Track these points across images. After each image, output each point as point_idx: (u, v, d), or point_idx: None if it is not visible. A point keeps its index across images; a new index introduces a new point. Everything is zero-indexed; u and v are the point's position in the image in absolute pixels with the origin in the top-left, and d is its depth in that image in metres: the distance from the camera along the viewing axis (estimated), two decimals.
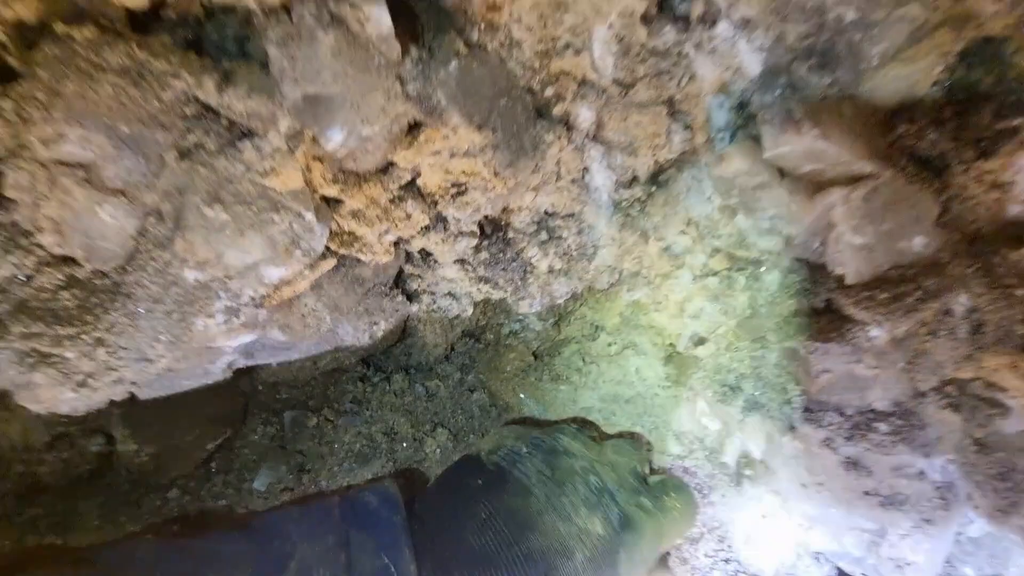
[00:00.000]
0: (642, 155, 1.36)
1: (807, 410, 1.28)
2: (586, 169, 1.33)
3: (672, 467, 1.53)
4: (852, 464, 1.25)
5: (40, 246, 0.93)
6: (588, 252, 1.41)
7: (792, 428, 1.30)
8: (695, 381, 1.54)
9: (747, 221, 1.40)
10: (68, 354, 0.92)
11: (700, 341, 1.53)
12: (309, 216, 0.98)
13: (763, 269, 1.45)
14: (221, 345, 0.97)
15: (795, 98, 1.20)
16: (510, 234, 1.32)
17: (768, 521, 1.40)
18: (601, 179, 1.36)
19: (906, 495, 1.21)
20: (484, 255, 1.31)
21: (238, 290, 0.95)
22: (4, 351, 0.90)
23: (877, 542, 1.25)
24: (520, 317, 1.50)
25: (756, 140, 1.28)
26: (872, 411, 1.25)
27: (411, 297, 1.29)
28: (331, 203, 1.06)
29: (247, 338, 1.00)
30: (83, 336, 0.92)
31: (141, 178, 0.91)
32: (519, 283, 1.35)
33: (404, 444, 1.32)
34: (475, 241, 1.27)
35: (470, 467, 1.11)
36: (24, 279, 0.93)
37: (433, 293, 1.32)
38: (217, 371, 1.04)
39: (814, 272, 1.36)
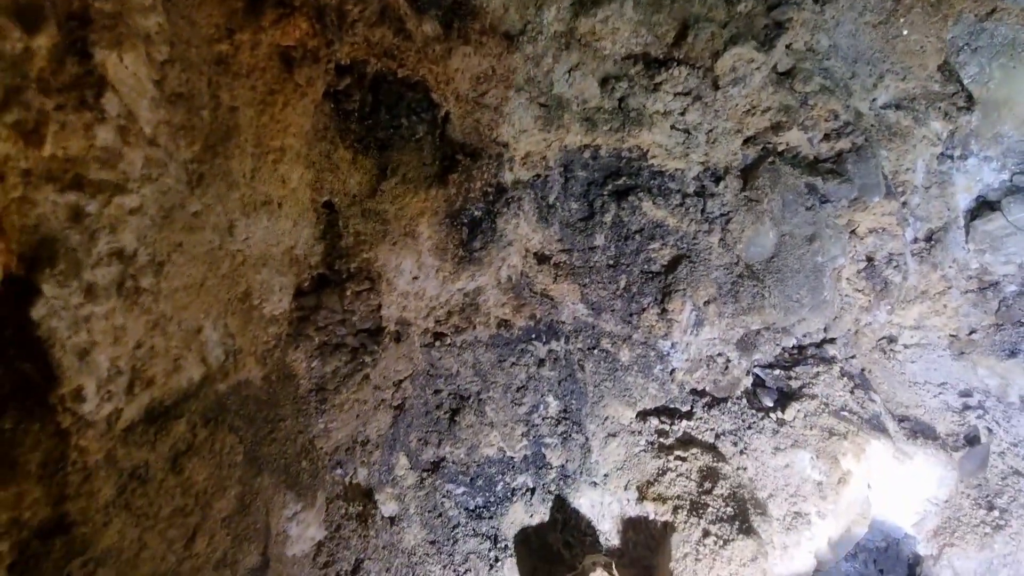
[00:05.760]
0: (932, 222, 2.54)
1: None
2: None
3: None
4: None
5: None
6: (906, 276, 2.52)
7: None
8: (975, 355, 2.54)
9: (991, 256, 2.54)
10: None
11: (972, 331, 2.57)
12: None
13: (1003, 284, 2.55)
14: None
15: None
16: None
17: None
18: (909, 235, 2.53)
19: None
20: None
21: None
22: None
23: None
24: None
25: (995, 209, 2.48)
26: None
27: None
28: None
29: None
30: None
31: None
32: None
33: None
34: None
35: None
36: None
37: None
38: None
39: None
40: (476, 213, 1.76)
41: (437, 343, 1.82)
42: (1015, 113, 2.40)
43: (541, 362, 2.01)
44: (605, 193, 2.09)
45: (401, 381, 1.77)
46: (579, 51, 1.80)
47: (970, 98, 2.45)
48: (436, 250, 1.68)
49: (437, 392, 1.89)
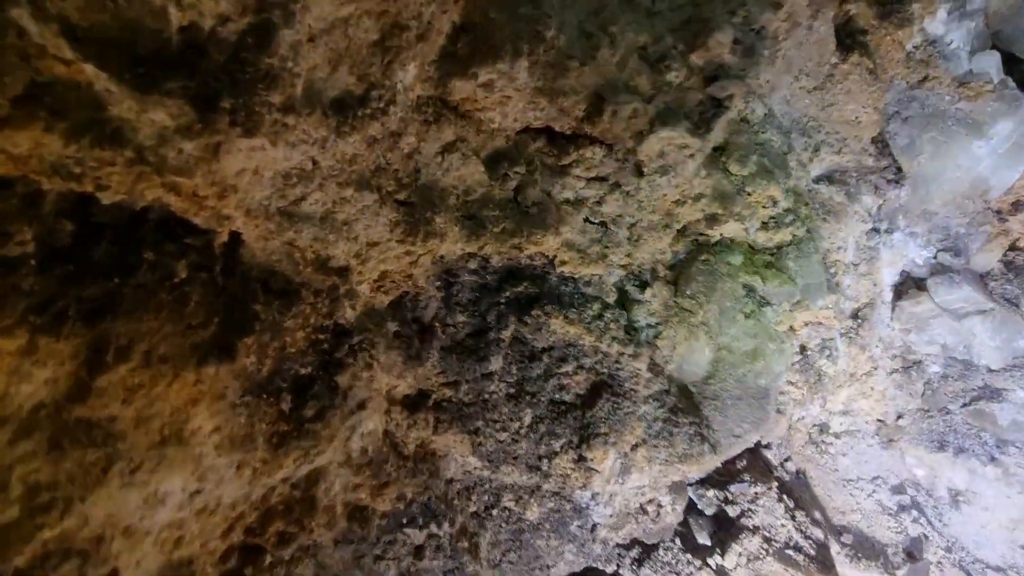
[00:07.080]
0: (859, 301, 2.32)
1: (998, 446, 2.14)
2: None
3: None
4: None
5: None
6: (837, 361, 2.27)
7: (993, 459, 2.13)
8: (903, 443, 2.36)
9: (915, 336, 2.37)
10: None
11: (900, 416, 2.39)
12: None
13: (926, 364, 2.39)
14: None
15: (949, 270, 2.25)
16: (807, 352, 2.16)
17: (986, 530, 2.16)
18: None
19: None
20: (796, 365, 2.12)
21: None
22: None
23: None
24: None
25: (922, 289, 2.30)
26: None
27: None
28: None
29: None
30: None
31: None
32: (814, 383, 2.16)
33: None
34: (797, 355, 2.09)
35: None
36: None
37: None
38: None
39: (965, 364, 2.32)
40: (303, 371, 1.17)
41: (248, 568, 1.20)
42: (944, 190, 2.23)
43: (418, 550, 1.45)
44: (502, 302, 1.57)
45: None
46: (455, 125, 1.26)
47: (899, 170, 2.26)
48: (232, 442, 1.06)
49: None
